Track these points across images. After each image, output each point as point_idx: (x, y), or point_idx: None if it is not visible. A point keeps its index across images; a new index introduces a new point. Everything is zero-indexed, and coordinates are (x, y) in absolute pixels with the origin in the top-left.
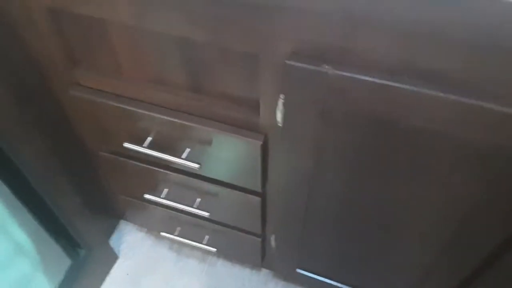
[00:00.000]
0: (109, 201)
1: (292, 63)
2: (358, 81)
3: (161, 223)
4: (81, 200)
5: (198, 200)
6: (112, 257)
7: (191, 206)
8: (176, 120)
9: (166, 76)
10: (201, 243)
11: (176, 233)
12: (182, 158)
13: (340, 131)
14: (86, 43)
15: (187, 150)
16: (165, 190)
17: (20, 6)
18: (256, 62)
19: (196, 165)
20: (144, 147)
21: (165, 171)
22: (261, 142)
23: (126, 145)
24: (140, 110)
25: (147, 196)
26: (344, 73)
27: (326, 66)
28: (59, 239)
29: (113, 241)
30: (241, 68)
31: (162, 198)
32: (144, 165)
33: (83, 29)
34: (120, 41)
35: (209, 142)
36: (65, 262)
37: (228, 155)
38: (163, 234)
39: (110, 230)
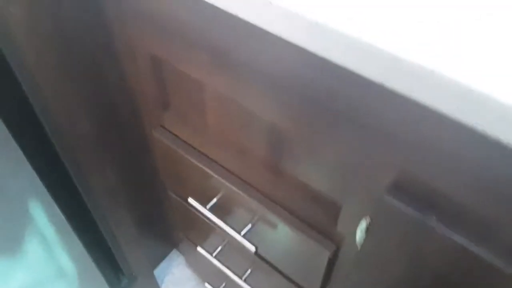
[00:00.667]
0: (167, 230)
1: (391, 199)
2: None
3: (209, 273)
4: (137, 231)
5: (249, 271)
6: (153, 287)
7: (239, 276)
8: (246, 195)
9: (247, 148)
10: None
11: None
12: (241, 235)
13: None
14: (179, 93)
15: (248, 226)
16: (219, 248)
17: (125, 45)
18: (349, 172)
19: (252, 248)
20: (206, 208)
21: (223, 231)
22: (329, 253)
23: (190, 200)
24: (211, 172)
25: (199, 248)
26: (457, 238)
27: (435, 219)
28: (103, 266)
29: (159, 270)
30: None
31: (214, 256)
32: (204, 219)
33: (180, 81)
34: (212, 103)
35: (273, 227)
36: None
37: (290, 247)
38: (207, 285)
39: (159, 257)
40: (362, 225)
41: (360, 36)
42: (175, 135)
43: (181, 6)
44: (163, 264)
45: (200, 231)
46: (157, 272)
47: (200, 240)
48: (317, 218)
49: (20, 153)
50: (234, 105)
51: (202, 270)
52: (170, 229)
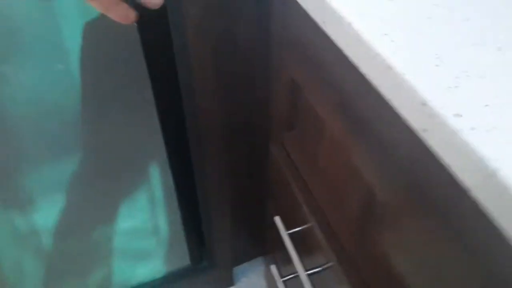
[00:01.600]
0: (261, 236)
1: None
2: None
3: None
4: (233, 225)
5: None
6: (227, 281)
7: None
8: (325, 240)
9: (343, 199)
10: None
11: None
12: (306, 273)
13: None
14: (305, 120)
15: (318, 269)
16: (288, 277)
17: (277, 63)
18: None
19: None
20: (287, 232)
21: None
22: None
23: (276, 219)
24: (304, 203)
25: (272, 267)
26: None
27: None
28: (191, 241)
29: (240, 269)
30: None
31: (281, 280)
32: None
33: (308, 110)
34: (327, 142)
35: (333, 285)
36: (185, 261)
37: None
38: None
39: (246, 257)
40: None
41: None
42: (289, 157)
43: (329, 51)
44: (245, 265)
45: (279, 253)
46: (237, 269)
47: (277, 261)
48: None
49: (158, 126)
50: (344, 154)
51: (272, 286)
52: (264, 236)
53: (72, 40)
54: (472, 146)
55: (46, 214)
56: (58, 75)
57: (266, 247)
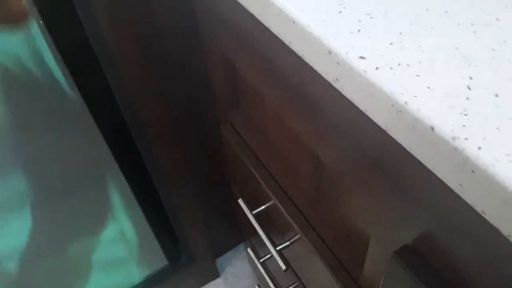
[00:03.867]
0: (236, 223)
1: (397, 258)
2: None
3: (259, 276)
4: (203, 215)
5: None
6: (212, 274)
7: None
8: (287, 213)
9: (295, 169)
10: None
11: None
12: (276, 250)
13: None
14: (246, 97)
15: (286, 243)
16: (266, 256)
17: (207, 44)
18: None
19: (283, 266)
20: (252, 213)
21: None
22: None
23: (240, 202)
24: (262, 181)
25: (249, 250)
26: None
27: None
28: (163, 239)
29: (223, 258)
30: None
31: (260, 261)
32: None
33: (245, 86)
34: (270, 115)
35: (304, 256)
36: (162, 261)
37: (319, 278)
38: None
39: (227, 247)
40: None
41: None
42: (239, 135)
43: (244, 18)
44: (228, 254)
45: (254, 235)
46: (220, 260)
47: (253, 244)
48: (344, 259)
49: (97, 130)
50: (286, 124)
51: (256, 270)
52: (239, 221)
53: None
54: (378, 85)
55: (9, 237)
56: None
57: (243, 233)
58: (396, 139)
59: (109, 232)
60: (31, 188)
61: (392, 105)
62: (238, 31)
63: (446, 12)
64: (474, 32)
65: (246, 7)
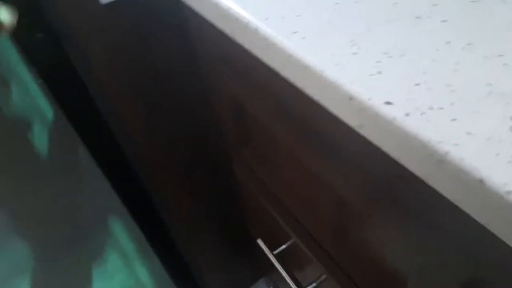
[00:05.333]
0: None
1: None
2: None
3: None
4: (220, 256)
5: None
6: None
7: None
8: (310, 251)
9: (315, 205)
10: None
11: None
12: None
13: None
14: (257, 133)
15: (313, 284)
16: None
17: (212, 83)
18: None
19: None
20: (273, 254)
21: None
22: None
23: (259, 242)
24: (280, 218)
25: None
26: None
27: None
28: (181, 285)
29: None
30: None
31: None
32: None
33: (256, 122)
34: (284, 151)
35: None
36: None
37: None
38: None
39: (247, 283)
40: None
41: None
42: (253, 172)
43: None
44: None
45: (275, 272)
46: None
47: (275, 280)
48: None
49: (100, 173)
50: (301, 161)
51: None
52: (258, 257)
53: None
54: (412, 133)
55: None
56: None
57: (264, 270)
58: (437, 190)
59: (126, 281)
60: (41, 242)
61: (431, 154)
62: (245, 73)
63: (469, 44)
64: (505, 64)
65: (248, 49)
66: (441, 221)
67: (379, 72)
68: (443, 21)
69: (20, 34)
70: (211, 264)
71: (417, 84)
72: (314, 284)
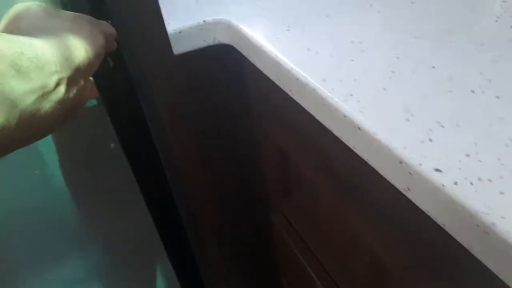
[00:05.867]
0: None
1: None
2: None
3: None
4: None
5: None
6: None
7: None
8: None
9: (351, 265)
10: None
11: None
12: None
13: None
14: (300, 187)
15: None
16: None
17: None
18: None
19: None
20: None
21: None
22: None
23: None
24: (314, 276)
25: None
26: None
27: None
28: None
29: None
30: None
31: None
32: None
33: (300, 176)
34: (324, 207)
35: None
36: None
37: None
38: None
39: None
40: None
41: None
42: (291, 225)
43: (303, 117)
44: None
45: None
46: None
47: None
48: None
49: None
50: (341, 218)
51: None
52: None
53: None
54: (460, 202)
55: None
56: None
57: None
58: (481, 260)
59: None
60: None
61: (477, 225)
62: (294, 124)
63: None
64: None
65: (304, 107)
66: None
67: (430, 140)
68: (497, 97)
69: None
70: None
71: (467, 155)
72: None
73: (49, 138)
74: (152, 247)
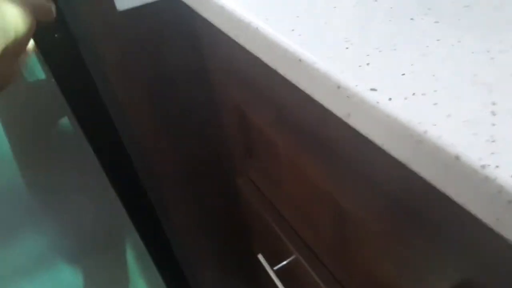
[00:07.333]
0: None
1: None
2: None
3: None
4: (223, 273)
5: None
6: None
7: None
8: (311, 268)
9: (315, 219)
10: None
11: None
12: None
13: None
14: (260, 145)
15: None
16: None
17: (218, 93)
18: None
19: None
20: (273, 269)
21: None
22: None
23: (260, 257)
24: (282, 234)
25: None
26: None
27: None
28: None
29: None
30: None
31: None
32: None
33: (259, 133)
34: (284, 162)
35: None
36: None
37: None
38: None
39: None
40: None
41: None
42: (257, 187)
43: (251, 63)
44: None
45: None
46: None
47: None
48: None
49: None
50: (302, 171)
51: None
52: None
53: None
54: (393, 115)
55: None
56: None
57: (263, 284)
58: (418, 173)
59: None
60: (46, 251)
61: (411, 135)
62: (247, 79)
63: (459, 41)
64: (492, 58)
65: (249, 50)
66: (430, 215)
67: (368, 64)
68: (436, 22)
69: (38, 33)
70: (211, 278)
71: (403, 74)
72: None
73: None
74: (118, 220)
